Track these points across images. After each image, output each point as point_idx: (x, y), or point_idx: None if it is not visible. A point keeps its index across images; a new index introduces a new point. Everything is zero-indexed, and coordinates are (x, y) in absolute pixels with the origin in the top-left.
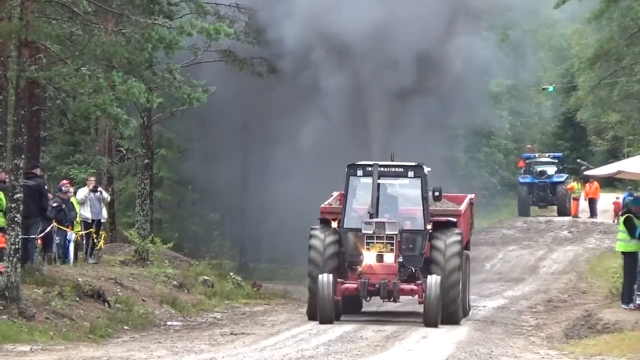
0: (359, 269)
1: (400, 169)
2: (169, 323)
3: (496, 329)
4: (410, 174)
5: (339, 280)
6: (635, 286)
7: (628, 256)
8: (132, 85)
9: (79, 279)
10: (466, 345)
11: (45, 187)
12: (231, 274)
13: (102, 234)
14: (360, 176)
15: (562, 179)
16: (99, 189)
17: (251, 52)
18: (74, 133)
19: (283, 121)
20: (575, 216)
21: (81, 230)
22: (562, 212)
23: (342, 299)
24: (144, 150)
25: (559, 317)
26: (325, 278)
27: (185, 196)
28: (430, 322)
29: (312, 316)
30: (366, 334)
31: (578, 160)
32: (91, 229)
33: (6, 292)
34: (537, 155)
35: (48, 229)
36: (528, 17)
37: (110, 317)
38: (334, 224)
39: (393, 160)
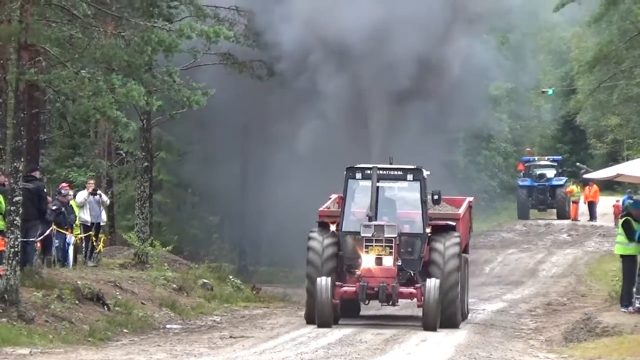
0: (358, 272)
1: (399, 172)
2: (168, 326)
3: (495, 332)
4: (410, 177)
5: (337, 283)
6: (635, 289)
7: (626, 259)
8: (132, 88)
9: (78, 282)
10: (465, 348)
11: (45, 190)
12: (230, 277)
13: (102, 237)
14: (359, 179)
15: (561, 182)
16: (99, 192)
17: (250, 55)
18: (74, 136)
19: (282, 124)
20: (575, 219)
21: (80, 233)
22: (562, 215)
23: (340, 303)
24: (143, 153)
25: (558, 321)
26: (324, 281)
27: (184, 199)
28: (429, 325)
29: (310, 320)
30: (365, 338)
31: (577, 164)
32: (90, 232)
33: (5, 295)
34: (536, 158)
35: (47, 232)
36: (528, 21)
37: (109, 320)
38: (333, 227)
39: (392, 164)
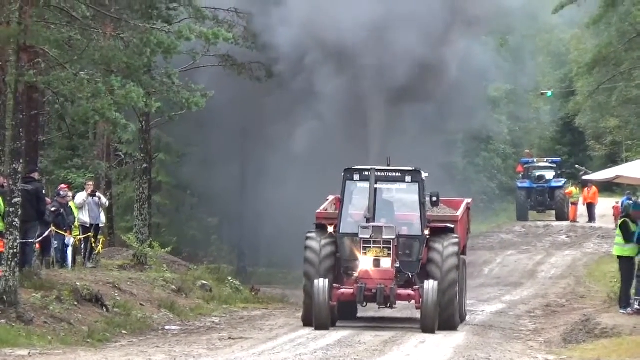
0: (355, 274)
1: (397, 174)
2: (167, 327)
3: (494, 333)
4: (408, 178)
5: (334, 285)
6: (633, 290)
7: (624, 260)
8: (131, 89)
9: (77, 283)
10: (464, 349)
11: (43, 191)
12: (229, 278)
13: (101, 238)
14: (357, 181)
15: (560, 184)
16: (98, 194)
17: (249, 57)
18: (73, 137)
19: (280, 125)
20: (574, 221)
21: (79, 235)
22: (561, 216)
23: (337, 305)
24: (142, 155)
25: (557, 322)
26: (321, 283)
27: (183, 201)
28: (427, 327)
29: (307, 322)
30: (364, 339)
31: (576, 165)
32: (89, 234)
33: (4, 297)
34: (535, 160)
35: (46, 233)
36: (527, 23)
37: (108, 321)
38: (330, 229)
39: (389, 165)
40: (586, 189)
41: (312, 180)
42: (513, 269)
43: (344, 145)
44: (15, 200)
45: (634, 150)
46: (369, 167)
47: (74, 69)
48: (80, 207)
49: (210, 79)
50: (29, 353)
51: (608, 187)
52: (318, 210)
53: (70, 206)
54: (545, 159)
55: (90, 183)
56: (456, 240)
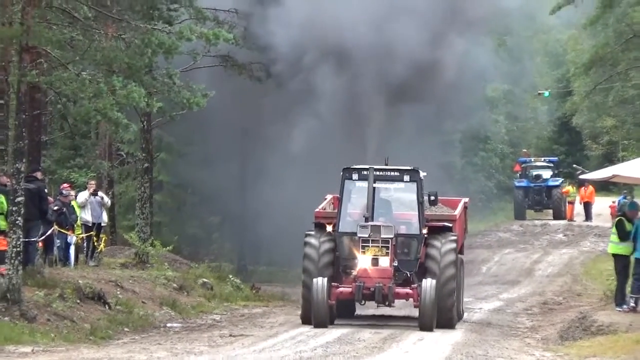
0: (354, 272)
1: (396, 173)
2: (168, 325)
3: (492, 330)
4: (406, 178)
5: (333, 284)
6: (629, 288)
7: (618, 258)
8: (132, 89)
9: (80, 282)
10: (462, 346)
11: (45, 190)
12: (230, 276)
13: (103, 237)
14: (356, 180)
15: (557, 183)
16: (100, 194)
17: (250, 57)
18: (75, 137)
19: (279, 125)
20: (571, 220)
21: (82, 233)
22: (558, 215)
23: (336, 304)
24: (143, 154)
25: (554, 319)
26: (320, 282)
27: (184, 199)
28: (425, 326)
29: (306, 320)
30: (363, 336)
31: (574, 165)
32: (92, 232)
33: (8, 294)
34: (532, 159)
35: (49, 232)
36: (524, 23)
37: (110, 319)
38: (329, 228)
39: (387, 164)
40: (583, 188)
41: (311, 180)
42: (510, 267)
43: (342, 144)
44: (18, 199)
45: (630, 150)
46: (367, 167)
47: (76, 69)
48: (82, 206)
49: (210, 79)
50: (32, 350)
51: (605, 187)
52: (316, 210)
53: (72, 205)
54: (542, 159)
55: (93, 182)
56: (454, 238)
